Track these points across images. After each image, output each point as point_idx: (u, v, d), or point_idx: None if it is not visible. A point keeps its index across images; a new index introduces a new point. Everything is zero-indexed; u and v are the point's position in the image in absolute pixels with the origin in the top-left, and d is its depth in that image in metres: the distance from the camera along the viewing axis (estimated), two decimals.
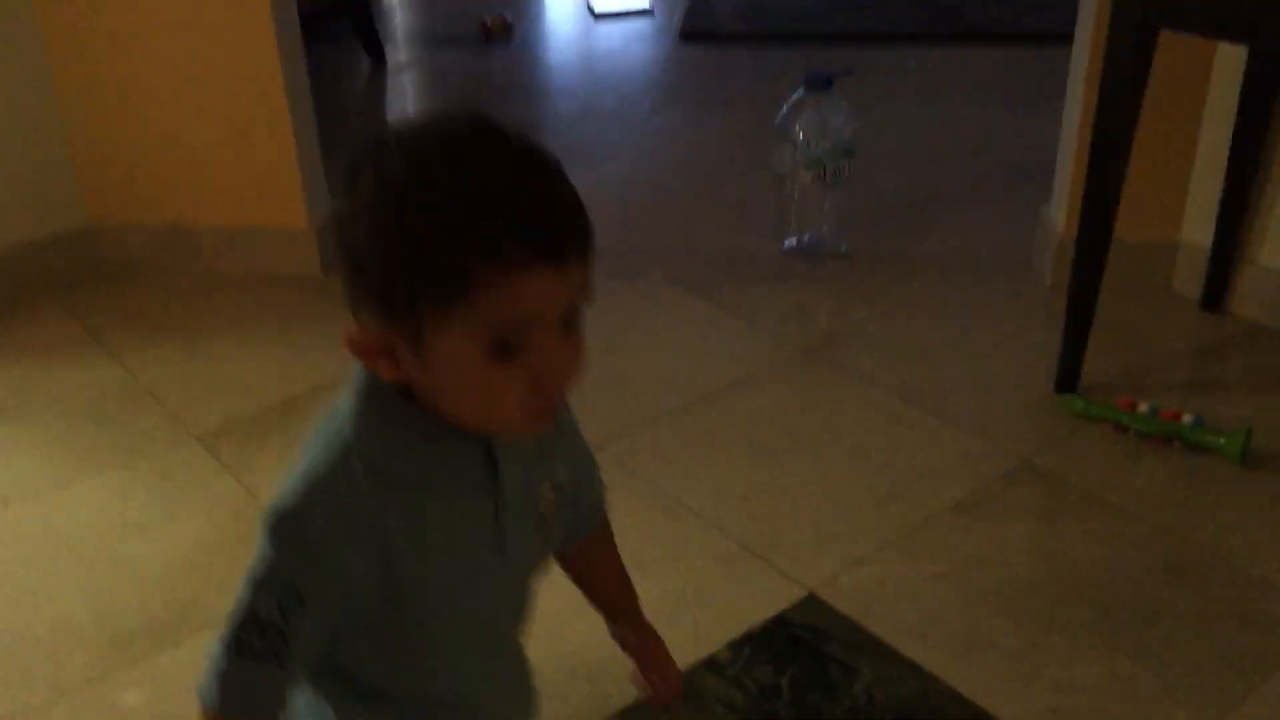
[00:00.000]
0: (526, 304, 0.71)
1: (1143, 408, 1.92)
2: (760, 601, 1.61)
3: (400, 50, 4.08)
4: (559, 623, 1.29)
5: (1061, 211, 2.33)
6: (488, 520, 0.84)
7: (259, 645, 0.78)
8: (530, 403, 0.75)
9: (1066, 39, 2.31)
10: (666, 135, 3.37)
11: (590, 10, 4.40)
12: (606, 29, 4.30)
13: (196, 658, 0.83)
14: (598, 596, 1.10)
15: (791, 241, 2.55)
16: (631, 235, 2.67)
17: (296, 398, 2.08)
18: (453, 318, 0.71)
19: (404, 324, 0.73)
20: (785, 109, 2.46)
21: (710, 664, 1.51)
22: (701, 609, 1.60)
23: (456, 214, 0.70)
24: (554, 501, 0.91)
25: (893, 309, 2.35)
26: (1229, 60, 2.15)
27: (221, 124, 2.40)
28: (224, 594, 0.81)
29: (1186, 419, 1.88)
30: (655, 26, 4.27)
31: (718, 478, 1.87)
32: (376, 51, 3.85)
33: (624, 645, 1.11)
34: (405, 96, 3.80)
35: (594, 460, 1.02)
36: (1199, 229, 2.27)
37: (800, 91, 2.42)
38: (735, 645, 1.54)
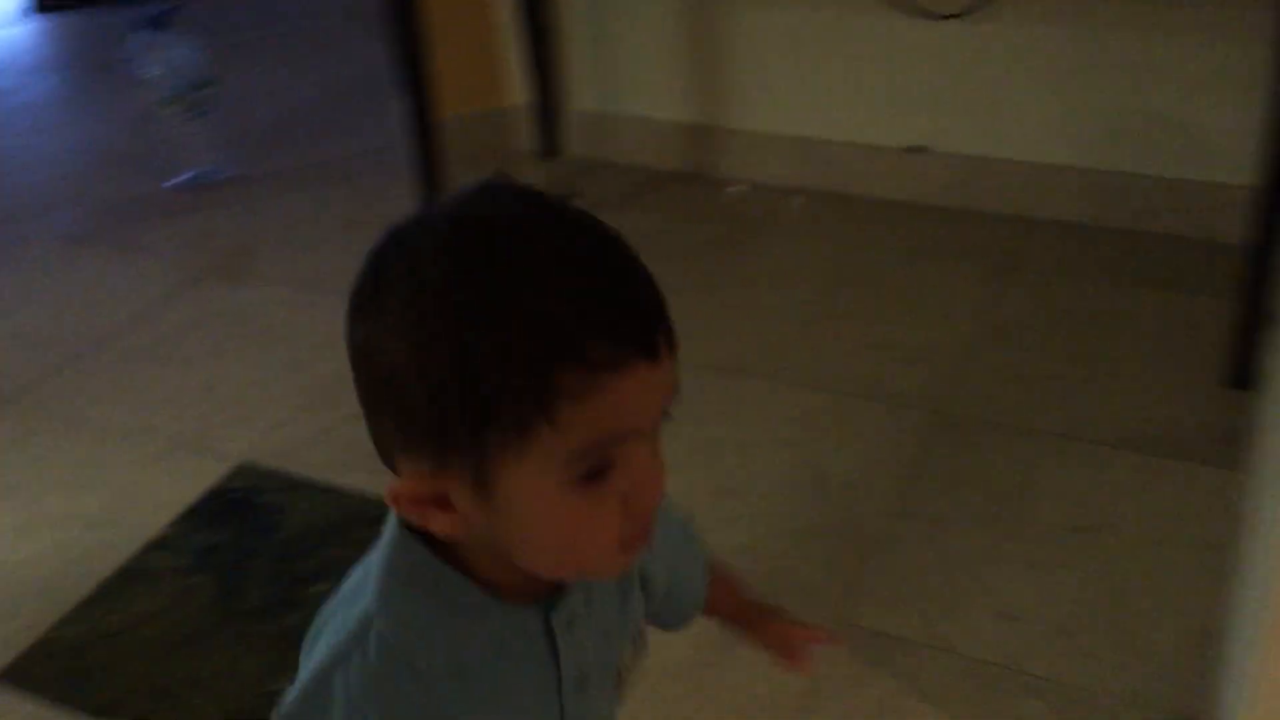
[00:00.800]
0: (621, 414, 0.58)
1: None
2: (196, 483, 1.80)
3: None
4: None
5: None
6: (549, 694, 0.69)
7: None
8: (626, 532, 0.61)
9: None
10: (53, 107, 3.34)
11: None
12: None
13: None
14: (727, 626, 0.96)
15: (177, 180, 2.67)
16: (16, 196, 2.71)
17: None
18: (530, 444, 0.57)
19: (463, 462, 0.59)
20: (131, 53, 2.56)
21: (156, 545, 1.68)
22: (141, 505, 1.76)
23: (525, 316, 0.56)
24: (633, 655, 0.76)
25: (287, 219, 2.56)
26: None
27: None
28: None
29: None
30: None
31: (141, 396, 2.02)
32: None
33: (765, 645, 0.95)
34: None
35: (693, 539, 0.88)
36: (520, 92, 2.68)
37: (137, 34, 2.53)
38: (175, 523, 1.72)
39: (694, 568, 0.86)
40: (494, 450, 0.57)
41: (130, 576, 1.62)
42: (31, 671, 1.50)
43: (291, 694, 0.64)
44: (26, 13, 3.95)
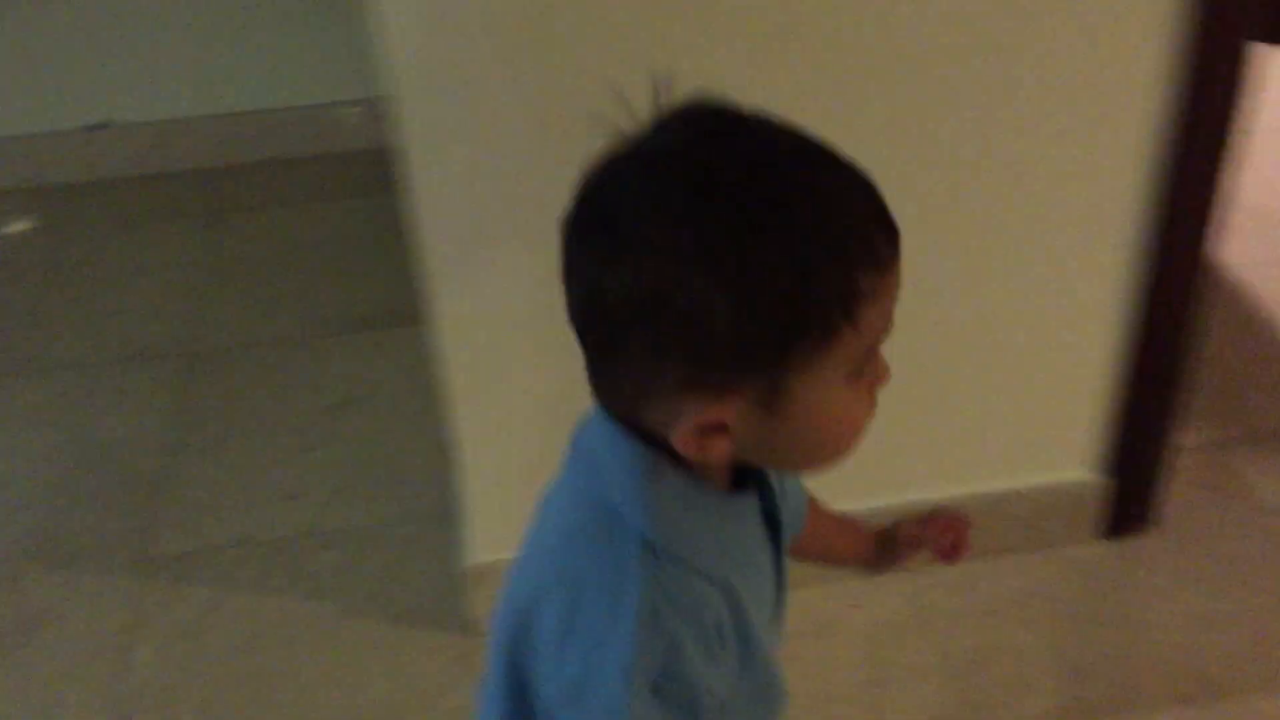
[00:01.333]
0: (892, 308, 0.60)
1: None
2: None
3: None
4: None
5: None
6: (772, 582, 0.74)
7: None
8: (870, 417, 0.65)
9: None
10: None
11: None
12: None
13: None
14: (837, 557, 0.94)
15: None
16: None
17: None
18: (832, 348, 0.58)
19: (756, 381, 0.59)
20: None
21: None
22: None
23: (820, 226, 0.56)
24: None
25: None
26: None
27: None
28: None
29: None
30: None
31: None
32: None
33: (901, 553, 0.92)
34: None
35: None
36: None
37: None
38: None
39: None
40: (796, 361, 0.58)
41: None
42: None
43: (620, 670, 0.64)
44: None
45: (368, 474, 1.71)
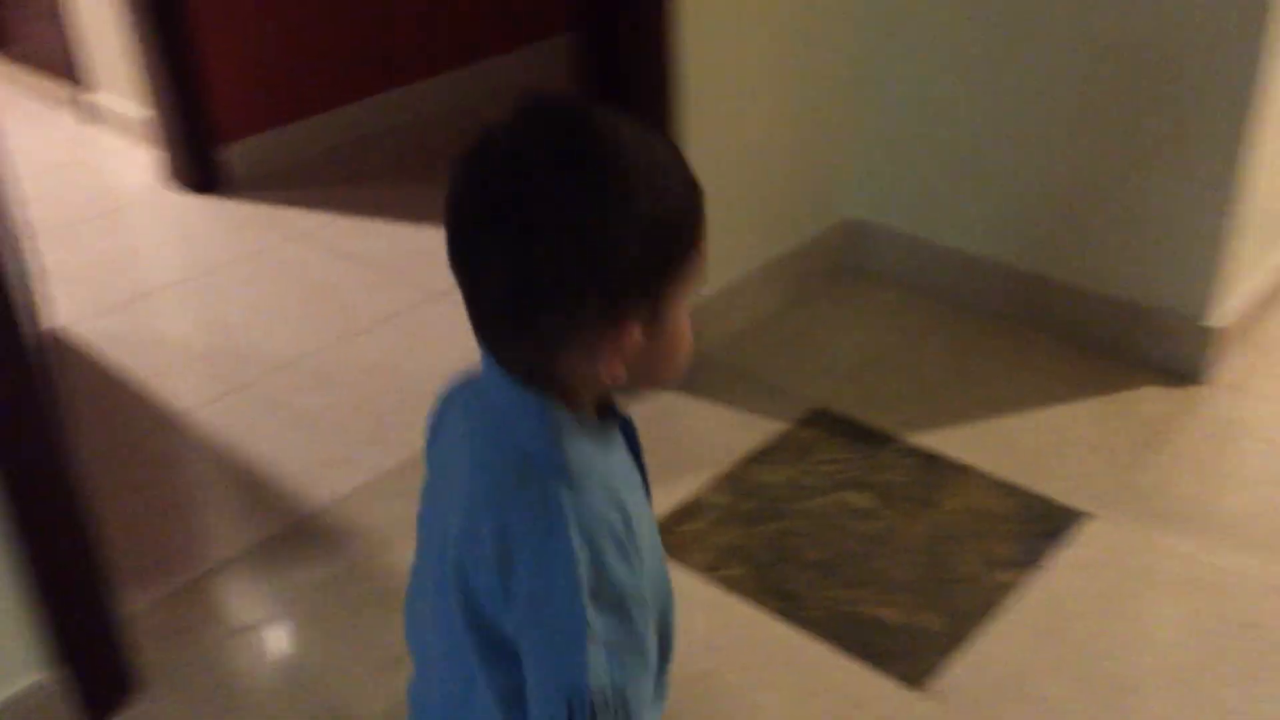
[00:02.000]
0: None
1: None
2: None
3: None
4: None
5: None
6: (649, 511, 0.88)
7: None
8: None
9: None
10: None
11: None
12: None
13: None
14: None
15: None
16: None
17: None
18: (687, 274, 0.79)
19: (645, 305, 0.77)
20: None
21: None
22: None
23: (678, 183, 0.78)
24: None
25: None
26: None
27: None
28: None
29: None
30: None
31: None
32: None
33: None
34: None
35: None
36: None
37: None
38: None
39: None
40: (669, 285, 0.78)
41: None
42: None
43: (582, 598, 0.76)
44: None
45: None
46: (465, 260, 0.76)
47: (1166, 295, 2.07)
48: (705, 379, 2.12)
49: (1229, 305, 2.06)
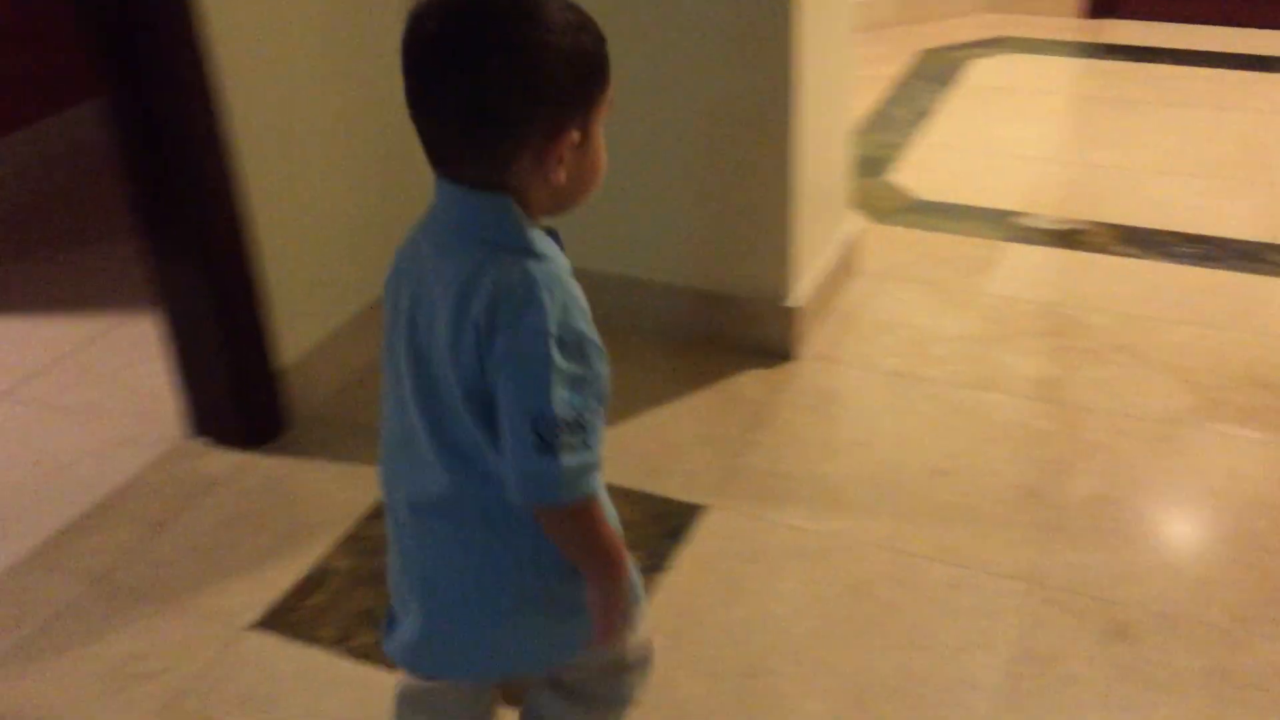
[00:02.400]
0: None
1: None
2: None
3: None
4: None
5: None
6: None
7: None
8: None
9: None
10: None
11: None
12: None
13: None
14: None
15: None
16: None
17: None
18: (602, 104, 0.99)
19: (581, 119, 0.98)
20: None
21: None
22: None
23: (590, 28, 0.98)
24: None
25: None
26: None
27: None
28: None
29: None
30: None
31: None
32: None
33: None
34: None
35: None
36: None
37: None
38: None
39: None
40: (593, 108, 0.98)
41: None
42: None
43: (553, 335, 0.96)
44: None
45: None
46: (425, 101, 0.96)
47: (750, 284, 2.18)
48: (315, 437, 2.03)
49: (804, 285, 2.20)
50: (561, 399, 0.95)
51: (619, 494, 1.96)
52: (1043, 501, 1.81)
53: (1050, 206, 2.75)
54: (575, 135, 0.97)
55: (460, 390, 0.99)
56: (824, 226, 2.29)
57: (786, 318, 2.17)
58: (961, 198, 2.83)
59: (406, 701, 1.25)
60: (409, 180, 2.28)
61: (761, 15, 1.93)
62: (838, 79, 2.22)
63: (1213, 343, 2.19)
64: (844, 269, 2.40)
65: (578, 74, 0.96)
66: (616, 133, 2.25)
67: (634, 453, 1.96)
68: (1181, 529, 1.77)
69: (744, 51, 1.97)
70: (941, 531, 1.76)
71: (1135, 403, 2.03)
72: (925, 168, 3.01)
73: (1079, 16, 4.09)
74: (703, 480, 1.90)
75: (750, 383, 2.13)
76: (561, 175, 0.97)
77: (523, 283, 0.95)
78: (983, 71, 3.64)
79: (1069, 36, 3.97)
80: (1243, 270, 2.44)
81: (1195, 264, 2.48)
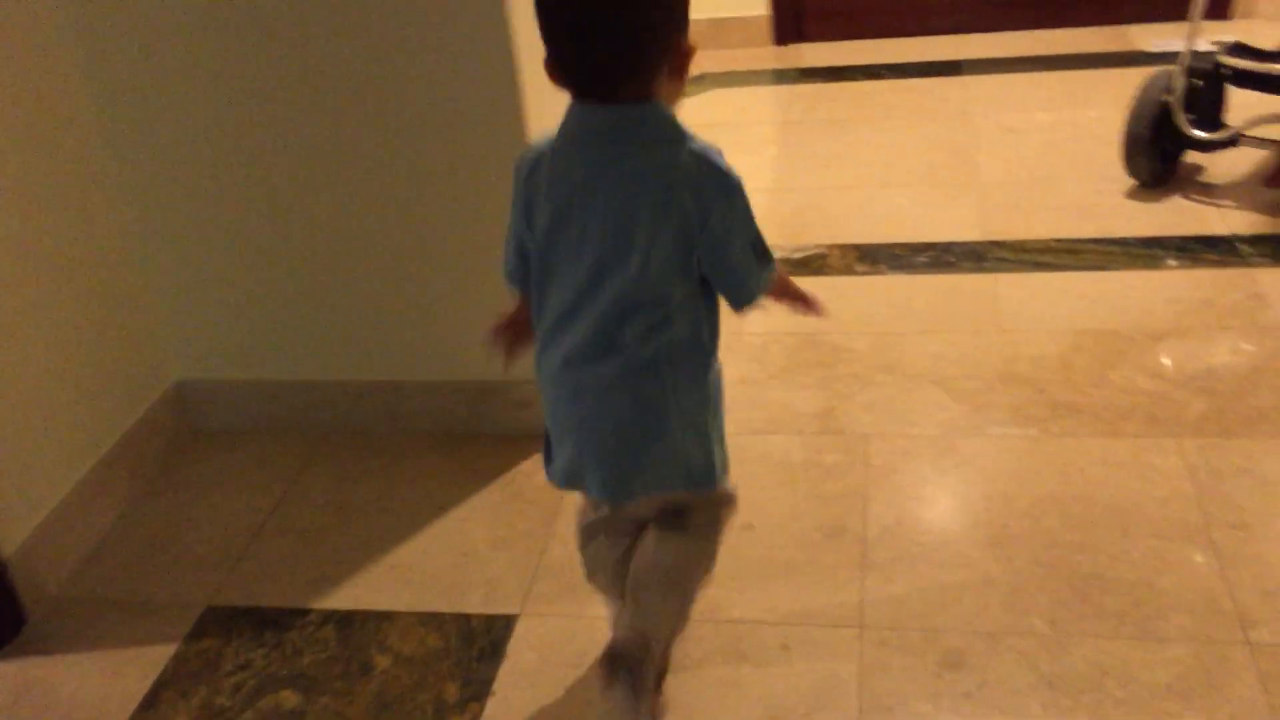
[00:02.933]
0: None
1: None
2: None
3: None
4: None
5: None
6: None
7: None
8: None
9: None
10: None
11: None
12: None
13: None
14: None
15: None
16: None
17: None
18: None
19: (686, 37, 1.24)
20: None
21: None
22: None
23: None
24: None
25: None
26: None
27: None
28: None
29: None
30: None
31: None
32: None
33: None
34: None
35: None
36: None
37: None
38: None
39: None
40: (689, 26, 1.24)
41: None
42: None
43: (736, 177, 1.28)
44: None
45: None
46: (594, 37, 1.18)
47: (516, 367, 2.08)
48: (60, 628, 1.78)
49: None
50: (762, 241, 1.33)
51: (419, 621, 1.86)
52: (849, 538, 1.80)
53: (786, 235, 2.80)
54: (689, 46, 1.23)
55: (671, 247, 1.25)
56: None
57: None
58: None
59: (585, 532, 1.53)
60: (111, 333, 2.10)
61: (488, 71, 1.86)
62: None
63: (965, 348, 2.27)
64: None
65: (685, 7, 1.23)
66: (351, 229, 2.18)
67: (427, 571, 1.83)
68: (981, 540, 1.80)
69: (476, 131, 1.90)
70: (761, 591, 1.72)
71: (911, 420, 2.08)
72: None
73: (771, 45, 4.24)
74: (507, 587, 1.78)
75: (536, 470, 2.03)
76: (682, 81, 1.26)
77: (703, 158, 1.25)
78: (691, 110, 3.66)
79: (767, 65, 4.11)
80: (974, 271, 2.56)
81: (932, 272, 2.58)
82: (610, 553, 1.49)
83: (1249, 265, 2.46)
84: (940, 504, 1.88)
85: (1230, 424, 1.97)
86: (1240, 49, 2.73)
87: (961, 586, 1.69)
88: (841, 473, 1.95)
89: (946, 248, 2.67)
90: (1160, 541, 1.73)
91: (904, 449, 2.00)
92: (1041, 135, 3.26)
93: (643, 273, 1.25)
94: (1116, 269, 2.51)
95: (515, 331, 1.47)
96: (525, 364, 2.16)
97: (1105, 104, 3.38)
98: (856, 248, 2.71)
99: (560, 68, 1.21)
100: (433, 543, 1.89)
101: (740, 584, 1.73)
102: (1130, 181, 2.86)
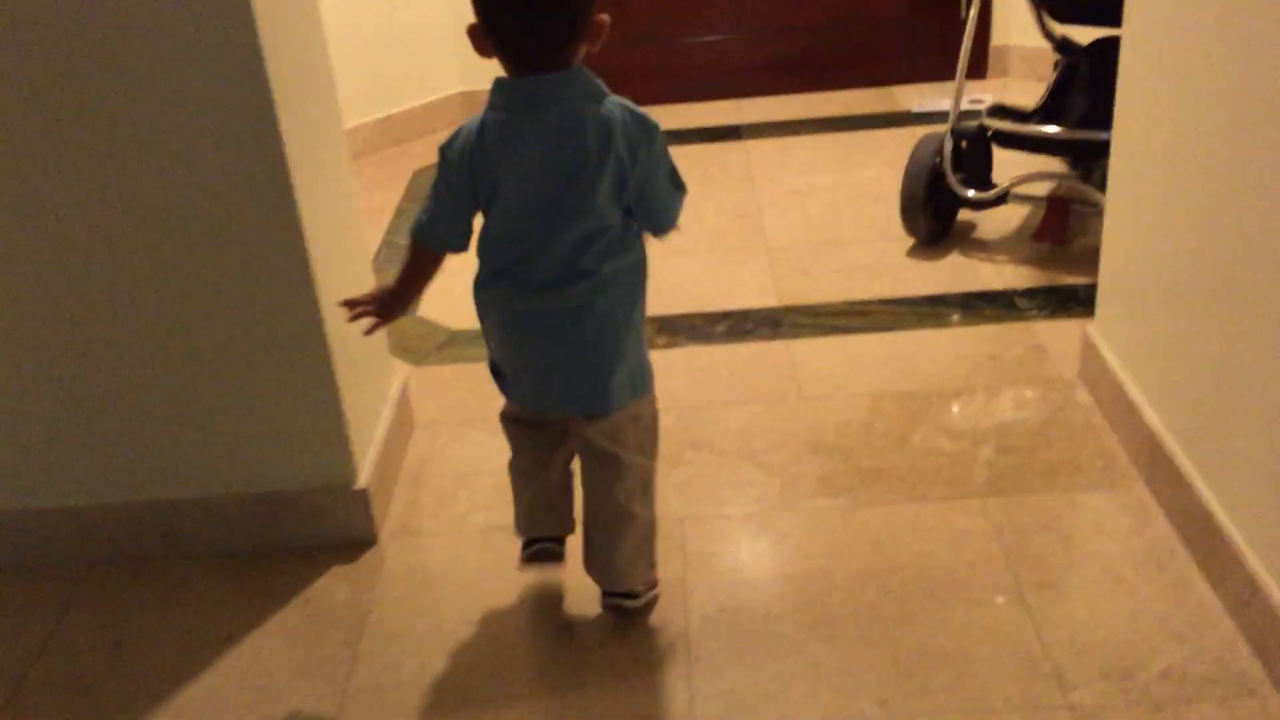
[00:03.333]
0: None
1: None
2: None
3: None
4: None
5: None
6: None
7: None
8: None
9: None
10: None
11: None
12: None
13: None
14: None
15: None
16: None
17: None
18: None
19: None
20: None
21: None
22: None
23: None
24: None
25: None
26: None
27: None
28: None
29: None
30: None
31: None
32: None
33: None
34: None
35: None
36: None
37: None
38: None
39: None
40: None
41: None
42: None
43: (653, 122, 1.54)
44: None
45: None
46: (527, 22, 1.42)
47: (306, 473, 1.93)
48: None
49: (367, 458, 2.00)
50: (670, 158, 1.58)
51: None
52: (672, 631, 1.74)
53: None
54: (602, 18, 1.47)
55: (611, 182, 1.50)
56: (374, 384, 2.11)
57: (355, 501, 1.95)
58: None
59: (510, 421, 1.76)
60: None
61: (253, 165, 1.73)
62: (348, 225, 2.05)
63: (770, 418, 2.27)
64: (403, 425, 2.23)
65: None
66: (111, 336, 1.98)
67: (219, 711, 1.66)
68: (805, 621, 1.76)
69: (243, 234, 1.76)
70: (587, 700, 1.63)
71: (723, 499, 2.04)
72: (448, 295, 2.88)
73: None
74: (316, 713, 1.64)
75: (335, 585, 1.89)
76: (595, 46, 1.49)
77: (625, 108, 1.50)
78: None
79: None
80: (771, 338, 2.57)
81: (730, 340, 2.57)
82: (552, 454, 1.76)
83: (1026, 319, 2.56)
84: (761, 587, 1.84)
85: (1028, 480, 2.03)
86: (1001, 111, 2.87)
87: (790, 674, 1.65)
88: (663, 560, 1.89)
89: (743, 315, 2.68)
90: (975, 609, 1.74)
91: (719, 531, 1.97)
92: (823, 197, 3.34)
93: (593, 207, 1.50)
94: (906, 328, 2.57)
95: (392, 304, 1.67)
96: (312, 472, 2.05)
97: (879, 164, 3.50)
98: (655, 320, 2.68)
99: (500, 45, 1.46)
100: (223, 678, 1.72)
101: (560, 692, 1.65)
102: (910, 240, 2.96)
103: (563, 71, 1.46)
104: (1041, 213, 2.94)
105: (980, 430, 2.18)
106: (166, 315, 1.81)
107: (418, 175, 3.75)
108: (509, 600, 1.84)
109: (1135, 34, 2.00)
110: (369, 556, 1.95)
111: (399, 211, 3.47)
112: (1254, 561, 1.62)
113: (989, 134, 2.84)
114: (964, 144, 2.87)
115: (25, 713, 1.69)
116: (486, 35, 1.45)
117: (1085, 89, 2.76)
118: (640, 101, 1.53)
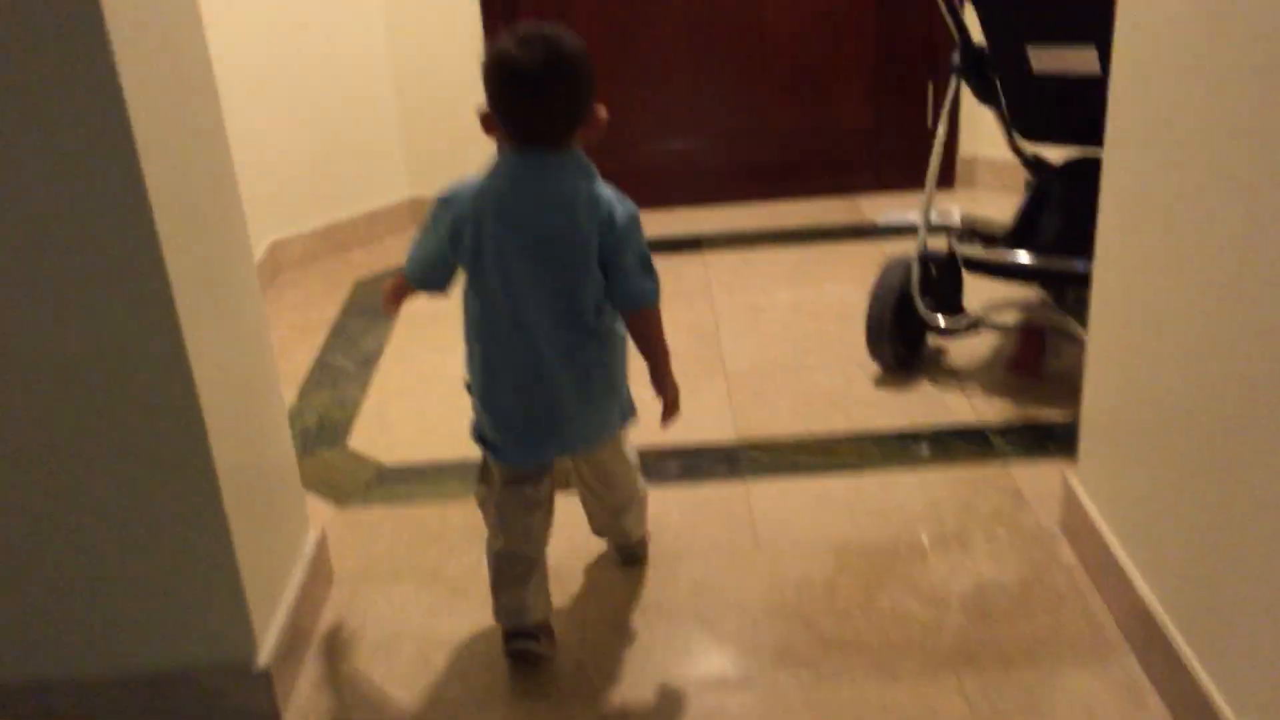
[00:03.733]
0: None
1: None
2: None
3: None
4: None
5: None
6: None
7: None
8: None
9: None
10: None
11: None
12: None
13: None
14: None
15: None
16: None
17: None
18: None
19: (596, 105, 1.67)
20: None
21: None
22: None
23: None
24: None
25: None
26: None
27: None
28: None
29: None
30: None
31: None
32: None
33: None
34: None
35: None
36: None
37: None
38: None
39: None
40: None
41: None
42: None
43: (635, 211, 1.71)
44: None
45: None
46: (537, 107, 1.61)
47: (202, 650, 1.70)
48: None
49: (272, 629, 1.77)
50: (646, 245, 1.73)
51: None
52: None
53: None
54: (601, 112, 1.66)
55: (592, 256, 1.68)
56: (284, 540, 1.90)
57: (258, 682, 1.72)
58: (433, 453, 2.55)
59: (507, 496, 1.85)
60: None
61: (137, 308, 1.53)
62: (252, 365, 1.86)
63: (724, 574, 2.06)
64: (318, 583, 2.01)
65: (595, 80, 1.65)
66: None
67: None
68: None
69: (126, 391, 1.56)
70: None
71: (674, 674, 1.82)
72: (385, 424, 2.72)
73: None
74: None
75: None
76: (593, 134, 1.67)
77: (613, 193, 1.69)
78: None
79: None
80: (727, 477, 2.38)
81: (684, 481, 2.38)
82: (540, 514, 1.87)
83: (1003, 459, 2.39)
84: None
85: (1008, 652, 1.83)
86: (971, 234, 2.73)
87: None
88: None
89: (698, 452, 2.48)
90: None
91: (668, 712, 1.75)
92: (785, 315, 3.18)
93: (586, 267, 1.68)
94: (872, 468, 2.39)
95: (400, 296, 1.89)
96: (205, 649, 1.78)
97: (844, 279, 3.35)
98: None
99: (510, 127, 1.64)
100: None
101: None
102: (876, 367, 2.80)
103: (563, 152, 1.67)
104: (1014, 338, 2.79)
105: (955, 593, 1.99)
106: (34, 473, 1.60)
107: (360, 286, 3.57)
108: None
109: (1117, 157, 1.86)
110: None
111: (335, 330, 3.29)
112: None
113: (959, 260, 2.69)
114: (933, 269, 2.73)
115: None
116: (497, 116, 1.65)
117: (1058, 213, 2.63)
118: None
